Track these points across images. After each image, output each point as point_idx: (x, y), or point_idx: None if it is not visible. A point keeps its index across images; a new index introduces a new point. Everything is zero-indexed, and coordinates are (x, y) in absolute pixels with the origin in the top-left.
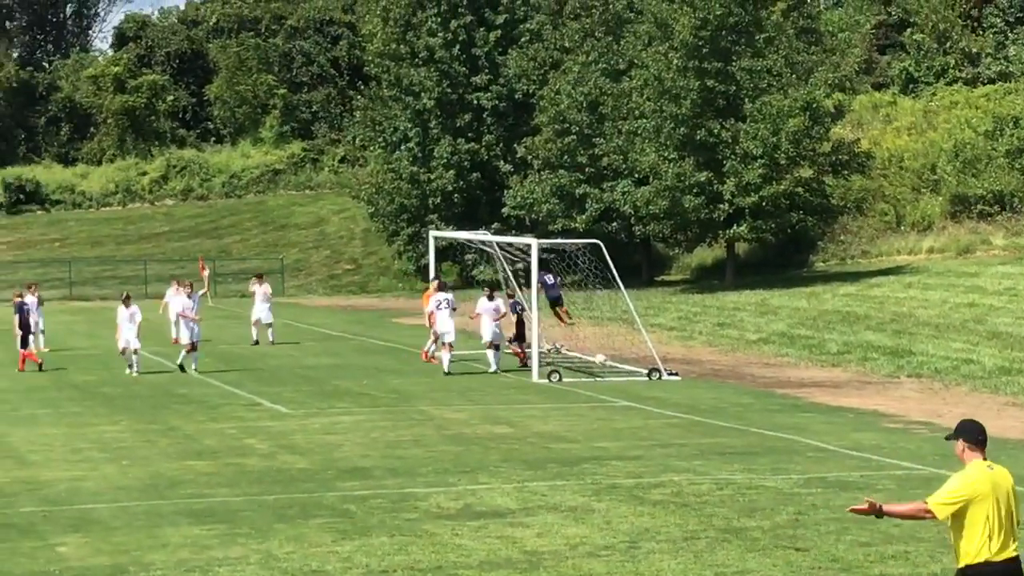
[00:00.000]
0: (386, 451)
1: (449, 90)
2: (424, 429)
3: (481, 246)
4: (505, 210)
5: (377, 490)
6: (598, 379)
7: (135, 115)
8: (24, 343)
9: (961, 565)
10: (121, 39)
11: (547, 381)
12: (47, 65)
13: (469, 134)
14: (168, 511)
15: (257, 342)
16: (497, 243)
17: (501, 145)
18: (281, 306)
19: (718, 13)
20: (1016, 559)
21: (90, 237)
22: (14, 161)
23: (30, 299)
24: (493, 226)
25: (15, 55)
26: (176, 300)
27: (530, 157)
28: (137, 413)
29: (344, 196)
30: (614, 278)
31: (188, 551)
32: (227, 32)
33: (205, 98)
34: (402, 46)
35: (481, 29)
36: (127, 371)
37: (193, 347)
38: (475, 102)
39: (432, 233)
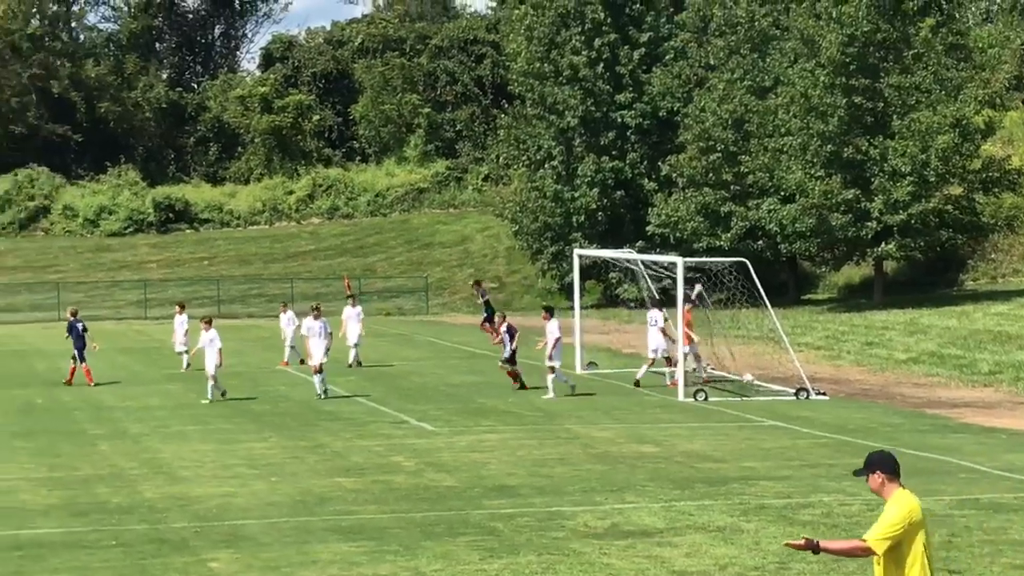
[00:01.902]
0: (532, 469)
1: (593, 108)
2: (570, 447)
3: (626, 264)
4: (649, 228)
5: (524, 508)
6: (744, 398)
7: (282, 135)
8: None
9: None
10: (268, 60)
11: (693, 400)
12: (196, 86)
13: (613, 152)
14: (317, 527)
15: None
16: (642, 261)
17: (645, 163)
18: (425, 324)
19: (865, 30)
20: None
21: (237, 255)
22: (164, 181)
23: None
24: (637, 244)
25: (165, 76)
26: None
27: (674, 175)
28: (286, 430)
29: (488, 214)
30: (761, 296)
31: (337, 568)
32: (372, 52)
33: (350, 117)
34: (546, 65)
35: (625, 47)
36: (205, 399)
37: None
38: (619, 120)
39: (576, 251)
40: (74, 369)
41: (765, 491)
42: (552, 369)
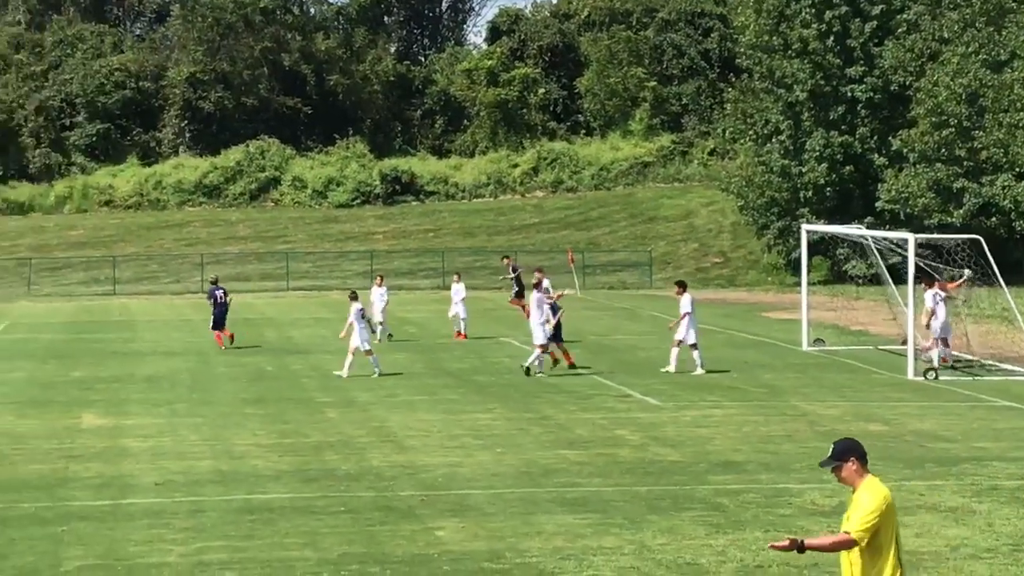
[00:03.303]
0: (758, 446)
1: (823, 82)
2: (796, 424)
3: (855, 240)
4: (879, 204)
5: (750, 484)
6: (976, 378)
7: (507, 108)
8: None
9: None
10: (495, 33)
11: (923, 379)
12: (423, 59)
13: (842, 126)
14: (542, 499)
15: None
16: (872, 237)
17: (875, 138)
18: (649, 298)
19: None
20: None
21: (462, 228)
22: (391, 153)
23: (376, 290)
24: (866, 220)
25: (393, 50)
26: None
27: (905, 150)
28: (510, 402)
29: (713, 189)
30: (995, 275)
31: (562, 539)
32: (598, 25)
33: (576, 91)
34: (775, 38)
35: (856, 20)
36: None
37: (544, 348)
38: (849, 94)
39: (804, 227)
40: (231, 335)
41: (997, 472)
42: (679, 343)
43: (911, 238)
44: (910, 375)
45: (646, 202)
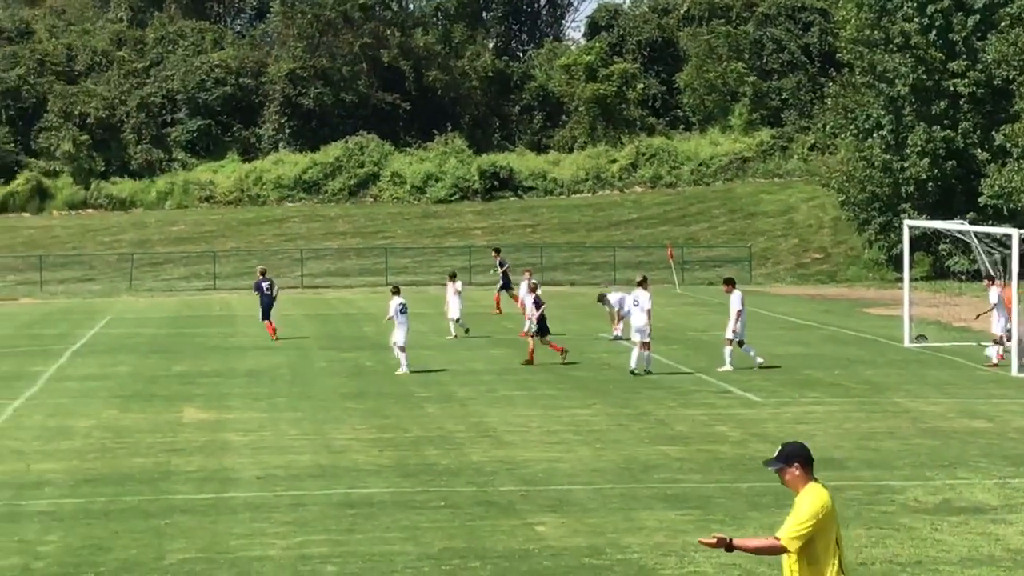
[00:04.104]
0: (860, 443)
1: (924, 76)
2: (899, 421)
3: (958, 236)
4: (982, 199)
5: (852, 481)
6: None
7: (606, 103)
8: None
9: None
10: (593, 28)
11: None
12: (521, 55)
13: (944, 121)
14: (643, 495)
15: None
16: (975, 233)
17: (978, 132)
18: (749, 295)
19: None
20: None
21: (560, 223)
22: (489, 148)
23: (452, 287)
24: (968, 216)
25: (491, 45)
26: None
27: (1009, 145)
28: (609, 397)
29: (813, 184)
30: None
31: (663, 535)
32: (698, 20)
33: (675, 86)
34: (876, 32)
35: (959, 14)
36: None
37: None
38: (951, 88)
39: (907, 222)
40: (273, 328)
41: None
42: (729, 342)
43: (1015, 233)
44: (1014, 371)
45: (745, 197)
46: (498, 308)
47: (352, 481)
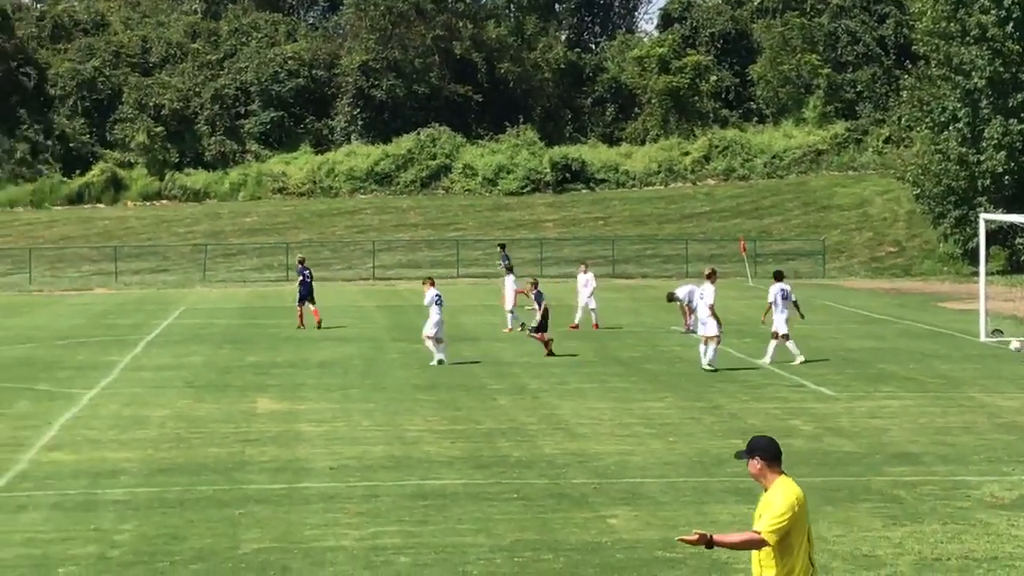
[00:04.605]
0: (935, 437)
1: (1001, 69)
2: (974, 416)
3: None
4: None
5: (927, 476)
6: None
7: (679, 95)
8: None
9: None
10: (666, 20)
11: None
12: (594, 47)
13: (1022, 114)
14: (716, 488)
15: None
16: None
17: None
18: (822, 288)
19: None
20: None
21: (632, 216)
22: (561, 141)
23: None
24: None
25: (563, 37)
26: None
27: None
28: (681, 390)
29: (888, 177)
30: None
31: (736, 530)
32: (772, 12)
33: (748, 78)
34: (952, 24)
35: None
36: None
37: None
38: None
39: (983, 216)
40: (301, 312)
41: None
42: (775, 335)
43: None
44: None
45: (819, 190)
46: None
47: (425, 472)
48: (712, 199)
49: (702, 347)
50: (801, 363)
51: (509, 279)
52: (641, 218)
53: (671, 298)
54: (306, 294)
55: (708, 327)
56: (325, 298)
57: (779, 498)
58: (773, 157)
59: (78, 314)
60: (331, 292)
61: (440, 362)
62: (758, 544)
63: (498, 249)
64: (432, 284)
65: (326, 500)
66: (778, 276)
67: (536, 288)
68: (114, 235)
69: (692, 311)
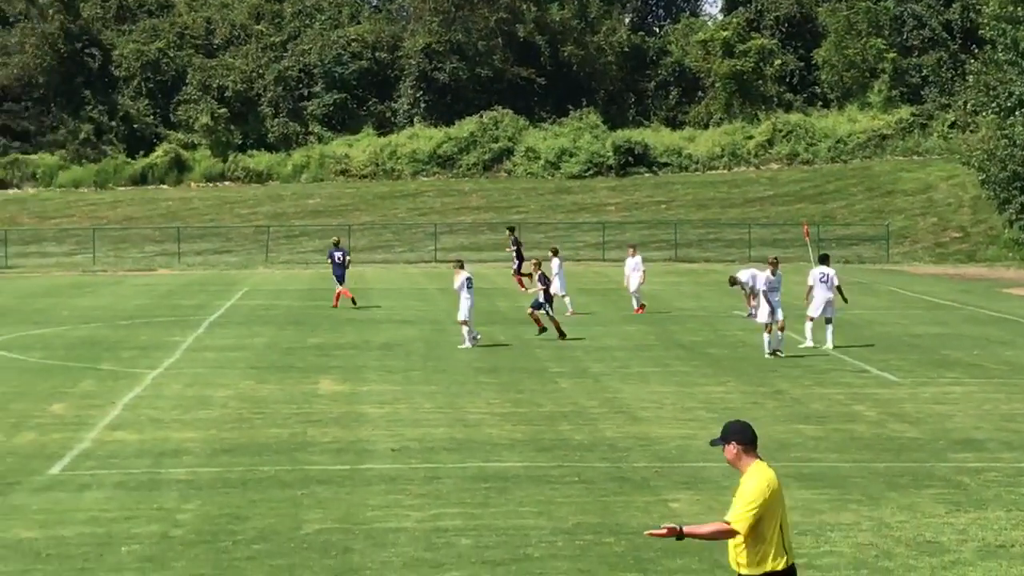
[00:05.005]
0: (1000, 424)
1: None
2: None
3: None
4: None
5: (991, 463)
6: None
7: (743, 79)
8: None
9: (757, 573)
10: (731, 3)
11: None
12: (657, 30)
13: None
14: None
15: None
16: None
17: None
18: (885, 273)
19: None
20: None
21: (695, 200)
22: (624, 124)
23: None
24: None
25: (627, 20)
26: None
27: None
28: (744, 375)
29: (953, 162)
30: None
31: (799, 514)
32: None
33: (813, 62)
34: (1019, 8)
35: None
36: None
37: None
38: None
39: None
40: (338, 294)
41: None
42: (811, 318)
43: None
44: None
45: (883, 175)
46: (522, 287)
47: (486, 455)
48: (775, 183)
49: (765, 336)
50: (804, 347)
51: (555, 262)
52: (704, 202)
53: (733, 282)
54: (339, 274)
55: (765, 313)
56: (387, 280)
57: (751, 485)
58: (837, 142)
59: (142, 294)
60: (393, 275)
61: (476, 340)
62: (729, 534)
63: (507, 233)
64: (462, 268)
65: (388, 481)
66: (823, 260)
67: (539, 270)
68: (177, 216)
69: (754, 295)
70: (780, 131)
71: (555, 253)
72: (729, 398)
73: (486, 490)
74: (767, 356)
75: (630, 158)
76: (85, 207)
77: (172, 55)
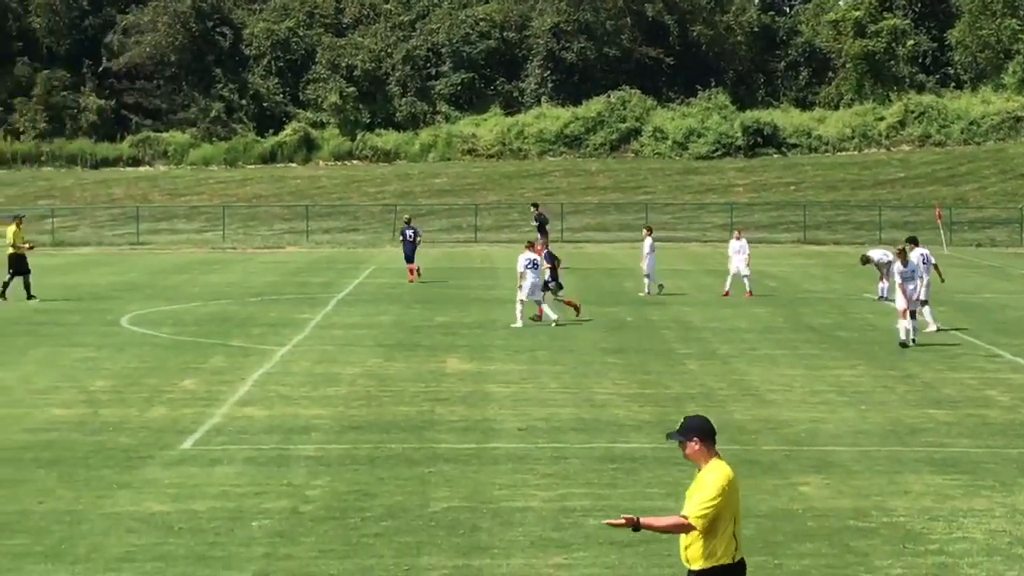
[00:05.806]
0: None
1: None
2: None
3: None
4: None
5: None
6: None
7: (874, 60)
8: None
9: (706, 567)
10: None
11: None
12: (788, 10)
13: None
14: (909, 458)
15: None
16: None
17: None
18: (1020, 257)
19: None
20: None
21: (824, 181)
22: (753, 104)
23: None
24: None
25: (757, 1)
26: (877, 254)
27: None
28: (874, 359)
29: None
30: None
31: (931, 500)
32: None
33: (946, 43)
34: None
35: None
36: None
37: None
38: None
39: None
40: (417, 268)
41: None
42: (924, 303)
43: None
44: None
45: (1018, 158)
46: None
47: (613, 436)
48: (907, 165)
49: (901, 323)
50: (929, 332)
51: (648, 241)
52: (834, 184)
53: (865, 260)
54: (409, 252)
55: (901, 299)
56: (513, 260)
57: (710, 481)
58: (970, 123)
59: (270, 271)
60: (519, 254)
61: (556, 322)
62: (685, 529)
63: (532, 209)
64: (530, 248)
65: (515, 461)
66: (914, 241)
67: (546, 249)
68: (306, 194)
69: (885, 276)
70: (912, 112)
71: (649, 232)
72: (859, 381)
73: (613, 471)
74: (899, 344)
75: (759, 139)
76: (215, 185)
77: (302, 34)
